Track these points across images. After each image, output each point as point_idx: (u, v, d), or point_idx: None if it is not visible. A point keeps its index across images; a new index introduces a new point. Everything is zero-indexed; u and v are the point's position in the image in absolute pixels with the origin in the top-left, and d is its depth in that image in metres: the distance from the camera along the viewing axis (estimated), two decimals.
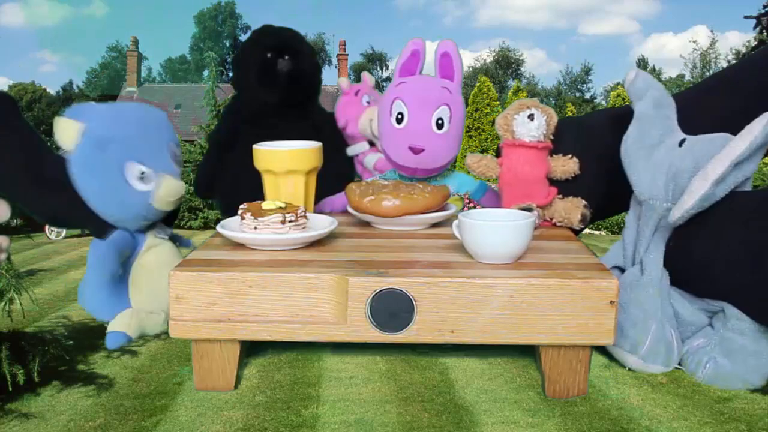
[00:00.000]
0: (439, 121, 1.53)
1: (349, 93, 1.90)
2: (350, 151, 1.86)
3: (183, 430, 1.04)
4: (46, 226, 5.69)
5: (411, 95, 1.54)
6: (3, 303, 1.24)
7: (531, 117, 1.46)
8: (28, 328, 1.56)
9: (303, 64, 1.73)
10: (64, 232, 4.38)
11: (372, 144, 1.83)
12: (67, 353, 1.29)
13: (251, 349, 1.35)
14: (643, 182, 1.28)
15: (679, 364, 1.25)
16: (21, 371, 1.10)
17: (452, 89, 1.56)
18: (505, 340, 1.09)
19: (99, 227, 1.34)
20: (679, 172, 1.22)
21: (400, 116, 1.54)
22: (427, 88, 1.55)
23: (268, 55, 1.68)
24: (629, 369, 1.24)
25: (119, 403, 1.13)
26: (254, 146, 1.49)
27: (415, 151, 1.53)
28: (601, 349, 1.35)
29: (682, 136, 1.28)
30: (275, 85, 1.68)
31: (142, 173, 1.31)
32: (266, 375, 1.26)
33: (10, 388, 1.09)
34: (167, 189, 1.34)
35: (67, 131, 1.26)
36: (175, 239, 1.55)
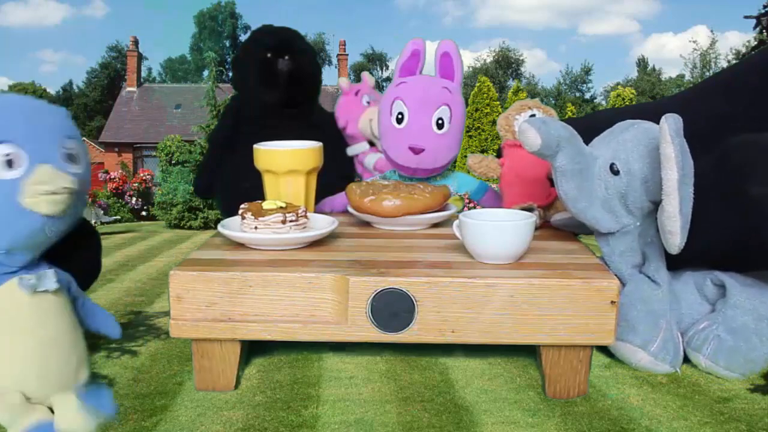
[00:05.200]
0: (440, 121, 1.53)
1: (349, 93, 1.90)
2: (350, 151, 1.86)
3: (183, 430, 1.04)
4: None
5: (411, 95, 1.54)
6: None
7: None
8: None
9: (303, 64, 1.73)
10: None
11: (372, 144, 1.84)
12: None
13: (251, 349, 1.35)
14: (606, 221, 1.26)
15: (683, 356, 1.25)
16: None
17: (452, 89, 1.56)
18: (505, 340, 1.09)
19: None
20: (632, 193, 1.21)
21: (400, 116, 1.54)
22: (427, 88, 1.55)
23: (268, 55, 1.68)
24: (635, 367, 1.23)
25: (119, 403, 1.13)
26: (255, 146, 1.49)
27: (416, 151, 1.53)
28: (602, 349, 1.35)
29: (603, 157, 1.23)
30: (275, 85, 1.68)
31: (8, 156, 0.94)
32: (266, 375, 1.26)
33: None
34: (42, 176, 0.95)
35: None
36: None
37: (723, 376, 1.21)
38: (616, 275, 1.27)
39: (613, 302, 1.07)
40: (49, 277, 0.98)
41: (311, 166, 1.50)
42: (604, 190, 1.24)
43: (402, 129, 1.54)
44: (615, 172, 1.23)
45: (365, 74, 2.00)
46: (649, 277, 1.25)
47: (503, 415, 1.08)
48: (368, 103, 1.86)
